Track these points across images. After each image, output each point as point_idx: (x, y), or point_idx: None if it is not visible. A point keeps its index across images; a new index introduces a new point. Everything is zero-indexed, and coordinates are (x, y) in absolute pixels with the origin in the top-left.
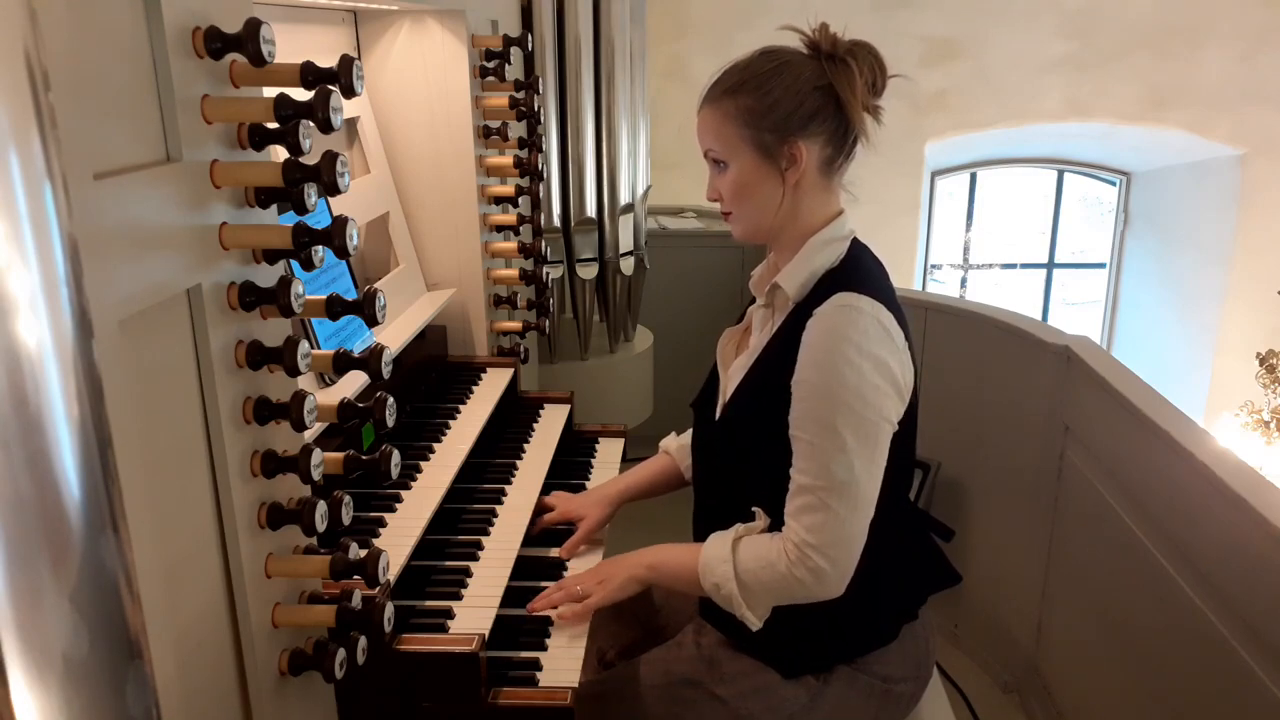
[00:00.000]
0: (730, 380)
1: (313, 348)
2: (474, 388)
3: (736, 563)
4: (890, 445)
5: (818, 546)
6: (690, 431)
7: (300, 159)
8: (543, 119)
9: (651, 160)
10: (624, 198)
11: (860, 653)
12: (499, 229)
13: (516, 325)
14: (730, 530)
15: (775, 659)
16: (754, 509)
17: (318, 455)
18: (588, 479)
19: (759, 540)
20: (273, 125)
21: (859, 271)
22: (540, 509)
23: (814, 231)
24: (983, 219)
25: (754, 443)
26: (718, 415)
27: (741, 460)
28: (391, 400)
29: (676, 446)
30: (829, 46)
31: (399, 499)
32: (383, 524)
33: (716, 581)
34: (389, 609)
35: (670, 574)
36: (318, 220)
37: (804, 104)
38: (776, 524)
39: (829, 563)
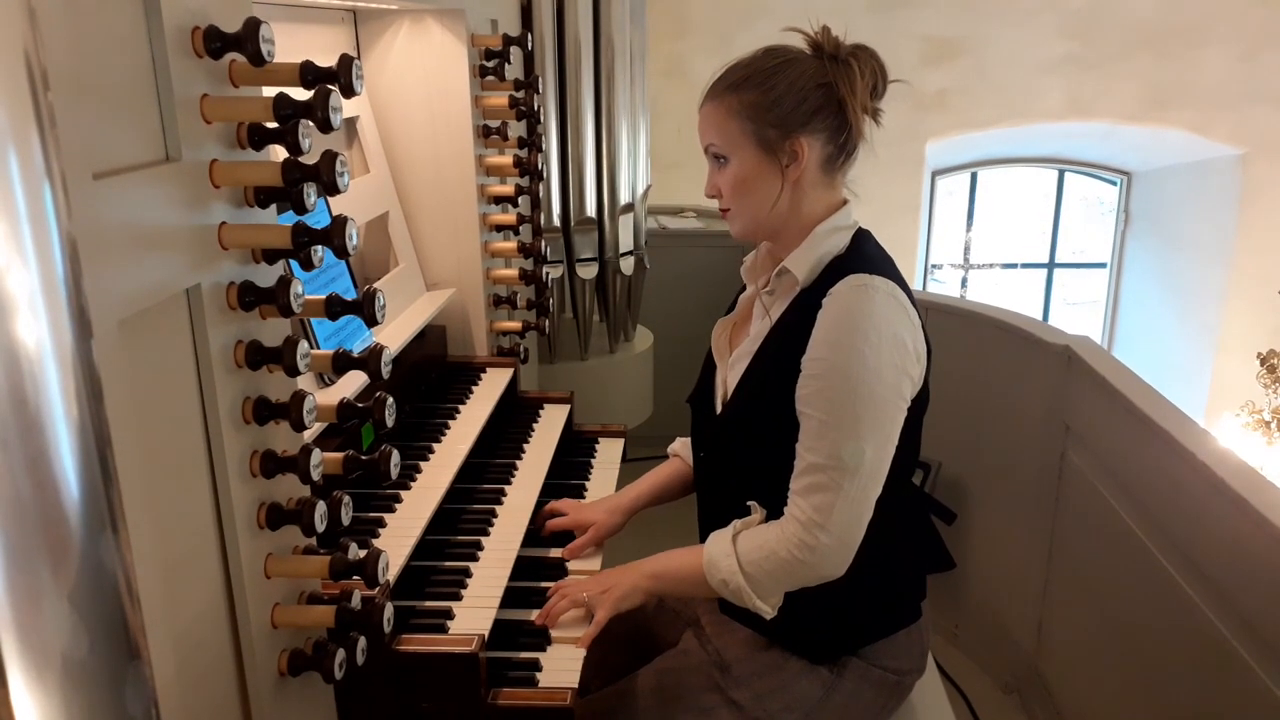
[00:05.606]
0: (731, 370)
1: (312, 348)
2: (474, 388)
3: (739, 555)
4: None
5: (824, 525)
6: None
7: (300, 159)
8: (542, 119)
9: (651, 160)
10: (624, 197)
11: (888, 632)
12: (499, 229)
13: (516, 325)
14: (729, 527)
15: (800, 646)
16: (749, 503)
17: (317, 455)
18: (588, 479)
19: (758, 530)
20: (272, 125)
21: (867, 256)
22: (549, 514)
23: (817, 222)
24: (983, 219)
25: (762, 432)
26: (720, 409)
27: (748, 452)
28: (391, 400)
29: (686, 448)
30: (831, 48)
31: (399, 499)
32: (382, 524)
33: (724, 578)
34: (389, 609)
35: (675, 579)
36: (317, 220)
37: (806, 100)
38: (773, 515)
39: (835, 540)
